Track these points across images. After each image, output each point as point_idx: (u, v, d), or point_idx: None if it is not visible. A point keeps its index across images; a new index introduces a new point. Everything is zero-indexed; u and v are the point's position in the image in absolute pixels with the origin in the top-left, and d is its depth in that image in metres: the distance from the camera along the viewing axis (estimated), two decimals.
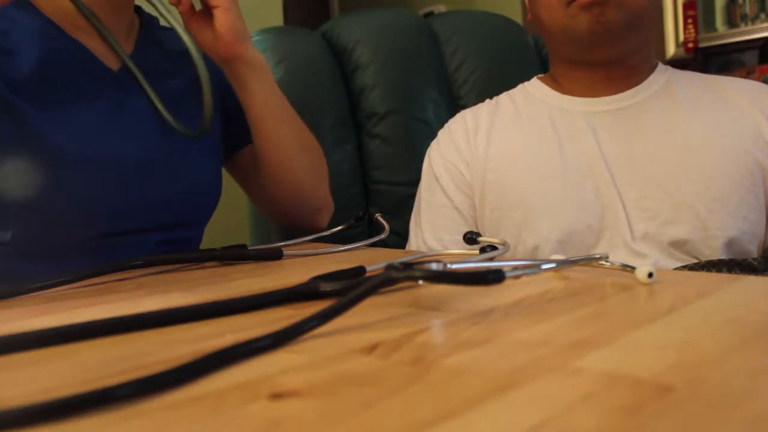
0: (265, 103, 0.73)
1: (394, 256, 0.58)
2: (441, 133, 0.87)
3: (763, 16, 2.52)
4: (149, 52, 0.73)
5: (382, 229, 0.69)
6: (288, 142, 0.75)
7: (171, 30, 0.64)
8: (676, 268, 0.64)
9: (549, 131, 0.77)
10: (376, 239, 0.65)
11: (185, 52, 0.63)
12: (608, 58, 0.75)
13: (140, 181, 0.67)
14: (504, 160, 0.78)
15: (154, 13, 0.68)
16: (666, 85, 0.77)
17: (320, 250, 0.61)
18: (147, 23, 0.75)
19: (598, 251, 0.70)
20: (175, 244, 0.71)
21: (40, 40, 0.63)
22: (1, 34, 0.62)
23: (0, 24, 0.62)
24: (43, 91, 0.62)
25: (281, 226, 0.97)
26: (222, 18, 0.66)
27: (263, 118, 0.73)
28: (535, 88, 0.84)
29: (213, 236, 0.84)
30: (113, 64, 0.68)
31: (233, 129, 0.80)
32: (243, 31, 0.68)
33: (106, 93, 0.66)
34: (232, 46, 0.67)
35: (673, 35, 2.64)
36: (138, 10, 0.75)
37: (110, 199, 0.65)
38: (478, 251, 0.48)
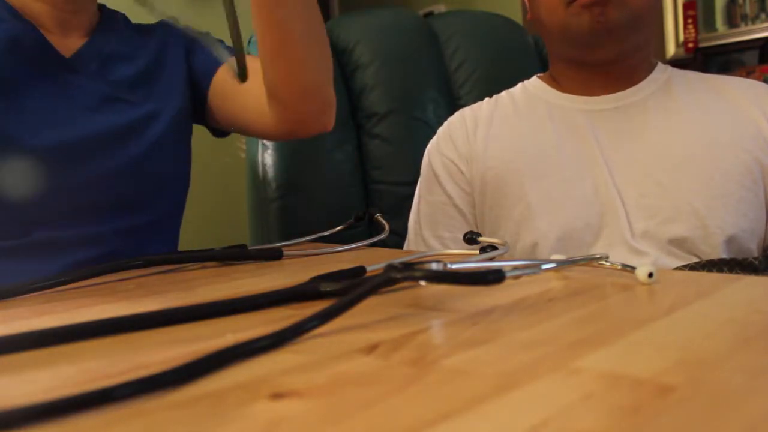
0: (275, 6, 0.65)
1: (394, 256, 0.57)
2: (440, 131, 0.87)
3: (763, 16, 2.52)
4: (106, 37, 0.73)
5: (382, 229, 0.69)
6: (301, 35, 0.68)
7: (137, 23, 0.63)
8: (676, 268, 0.64)
9: (548, 129, 0.77)
10: (376, 239, 0.64)
11: (143, 36, 0.61)
12: (608, 57, 0.75)
13: (92, 161, 0.67)
14: (503, 158, 0.78)
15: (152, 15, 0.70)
16: (665, 84, 0.77)
17: (320, 250, 0.61)
18: (107, 17, 0.76)
19: (597, 249, 0.70)
20: (140, 234, 0.71)
21: None
22: None
23: None
24: None
25: (281, 226, 0.97)
26: None
27: (277, 19, 0.66)
28: (534, 86, 0.84)
29: (213, 236, 0.84)
30: (66, 51, 0.69)
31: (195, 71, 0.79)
32: None
33: (55, 78, 0.67)
34: None
35: (673, 35, 2.64)
36: (101, 8, 0.77)
37: (62, 181, 0.65)
38: (478, 251, 0.48)
